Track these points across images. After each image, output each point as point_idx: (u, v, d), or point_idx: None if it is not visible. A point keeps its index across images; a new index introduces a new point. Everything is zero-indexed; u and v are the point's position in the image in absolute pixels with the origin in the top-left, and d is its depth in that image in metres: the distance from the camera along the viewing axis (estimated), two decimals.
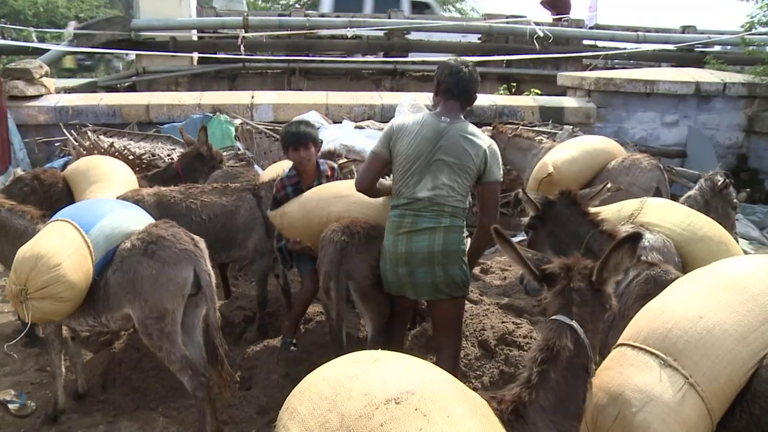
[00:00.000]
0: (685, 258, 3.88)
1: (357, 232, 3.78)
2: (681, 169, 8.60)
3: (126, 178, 5.33)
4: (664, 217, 4.03)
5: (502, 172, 3.66)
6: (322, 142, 4.69)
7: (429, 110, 3.91)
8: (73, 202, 4.65)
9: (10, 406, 4.10)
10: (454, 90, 3.57)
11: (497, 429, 1.89)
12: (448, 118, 3.53)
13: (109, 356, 4.55)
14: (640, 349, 2.40)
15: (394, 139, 3.59)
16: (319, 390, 1.92)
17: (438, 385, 1.88)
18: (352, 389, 1.85)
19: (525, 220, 3.95)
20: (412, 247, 3.49)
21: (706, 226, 4.02)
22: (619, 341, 2.54)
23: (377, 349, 2.38)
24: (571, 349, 2.16)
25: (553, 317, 2.25)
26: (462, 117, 3.60)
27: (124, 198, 4.54)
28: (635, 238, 2.25)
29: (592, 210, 3.73)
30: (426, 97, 8.05)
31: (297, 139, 4.41)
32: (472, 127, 3.58)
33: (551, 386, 2.11)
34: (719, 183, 5.03)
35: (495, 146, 3.59)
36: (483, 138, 3.56)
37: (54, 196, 5.25)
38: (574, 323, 2.20)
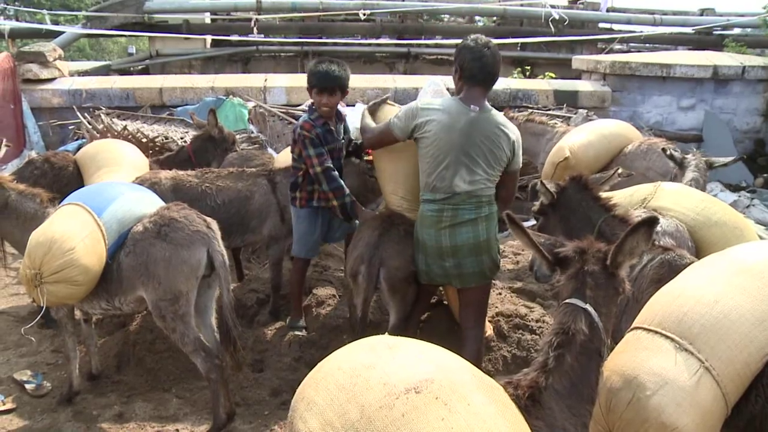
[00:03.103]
0: (698, 243, 3.83)
1: (397, 224, 3.77)
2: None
3: (135, 163, 5.29)
4: (677, 201, 3.98)
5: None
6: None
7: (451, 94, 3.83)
8: (84, 186, 4.65)
9: (27, 386, 4.15)
10: (480, 75, 3.47)
11: (516, 415, 1.87)
12: (476, 106, 3.45)
13: (123, 338, 4.59)
14: (655, 332, 2.37)
15: (418, 123, 3.47)
16: (336, 379, 1.87)
17: (456, 373, 1.85)
18: (369, 378, 1.80)
19: (535, 206, 3.92)
20: (457, 240, 3.48)
21: (720, 211, 3.96)
22: (634, 325, 2.52)
23: (396, 335, 2.32)
24: (586, 333, 2.13)
25: (567, 301, 2.22)
26: (487, 103, 3.53)
27: (143, 180, 4.55)
28: (652, 222, 2.21)
29: (604, 195, 3.69)
30: (451, 81, 7.88)
31: (325, 81, 4.04)
32: (500, 116, 3.53)
33: (566, 370, 2.09)
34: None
35: (519, 135, 3.58)
36: (512, 128, 3.54)
37: (64, 180, 5.26)
38: (588, 307, 2.18)
